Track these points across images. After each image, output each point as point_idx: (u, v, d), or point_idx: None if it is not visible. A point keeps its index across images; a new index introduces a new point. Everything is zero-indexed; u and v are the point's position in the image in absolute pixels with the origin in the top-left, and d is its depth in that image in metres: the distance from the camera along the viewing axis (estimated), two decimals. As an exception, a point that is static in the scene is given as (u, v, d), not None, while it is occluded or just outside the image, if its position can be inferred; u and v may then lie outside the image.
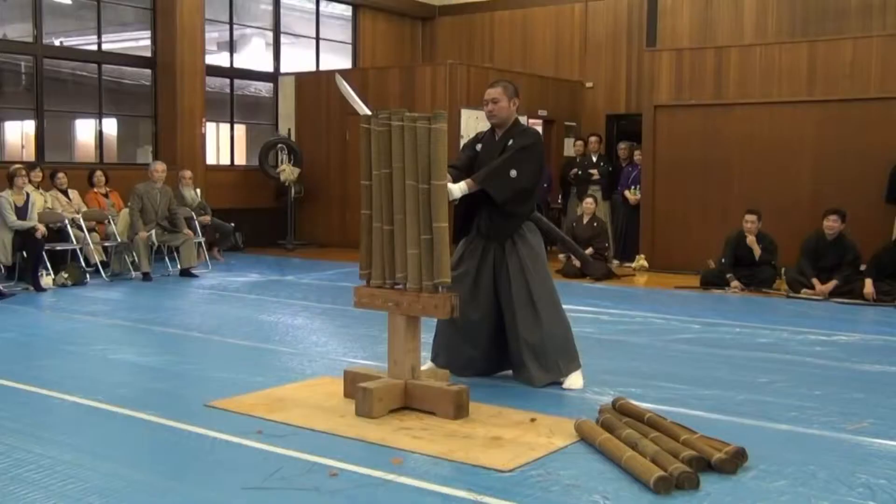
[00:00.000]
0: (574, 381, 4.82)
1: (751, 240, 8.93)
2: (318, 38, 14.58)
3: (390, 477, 3.32)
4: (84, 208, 9.71)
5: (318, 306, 7.71)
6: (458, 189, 4.64)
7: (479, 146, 5.01)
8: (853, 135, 9.76)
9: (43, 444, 3.69)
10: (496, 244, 4.90)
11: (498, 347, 4.98)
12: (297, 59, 14.41)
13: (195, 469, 3.45)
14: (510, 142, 4.84)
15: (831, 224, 8.58)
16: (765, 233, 9.03)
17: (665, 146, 10.84)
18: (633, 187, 11.23)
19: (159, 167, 9.85)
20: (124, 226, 9.67)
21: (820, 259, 8.64)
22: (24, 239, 8.52)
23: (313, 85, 13.50)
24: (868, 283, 8.23)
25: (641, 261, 10.69)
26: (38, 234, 8.54)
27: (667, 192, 10.82)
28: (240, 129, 13.84)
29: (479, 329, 4.91)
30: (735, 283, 8.89)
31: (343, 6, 14.83)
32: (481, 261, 4.91)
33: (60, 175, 9.75)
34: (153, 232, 9.51)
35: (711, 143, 10.54)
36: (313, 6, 14.47)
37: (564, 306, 4.96)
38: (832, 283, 8.41)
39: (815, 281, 8.49)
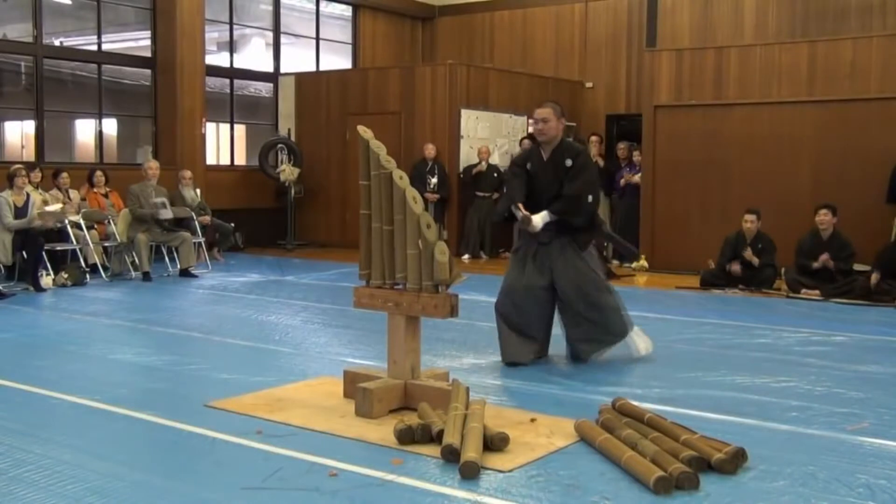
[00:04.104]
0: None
1: (748, 253, 8.92)
2: (318, 38, 14.58)
3: (390, 477, 3.32)
4: (84, 208, 9.71)
5: (318, 306, 7.71)
6: (540, 220, 5.22)
7: (529, 165, 5.45)
8: (853, 135, 9.76)
9: (43, 444, 3.69)
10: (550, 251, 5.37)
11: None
12: (297, 59, 14.42)
13: (195, 469, 3.45)
14: (567, 161, 5.29)
15: (822, 218, 8.62)
16: (763, 233, 9.03)
17: (665, 146, 10.84)
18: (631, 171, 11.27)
19: (153, 164, 9.93)
20: (124, 226, 9.68)
21: (816, 257, 8.65)
22: (24, 239, 8.52)
23: (313, 85, 13.50)
24: (875, 276, 8.28)
25: (641, 261, 10.68)
26: (37, 224, 8.51)
27: (667, 192, 10.81)
28: (240, 129, 13.85)
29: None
30: (735, 267, 8.89)
31: (343, 6, 14.83)
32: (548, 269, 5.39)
33: (63, 175, 9.77)
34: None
35: (711, 143, 10.54)
36: (313, 6, 14.47)
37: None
38: (828, 260, 8.48)
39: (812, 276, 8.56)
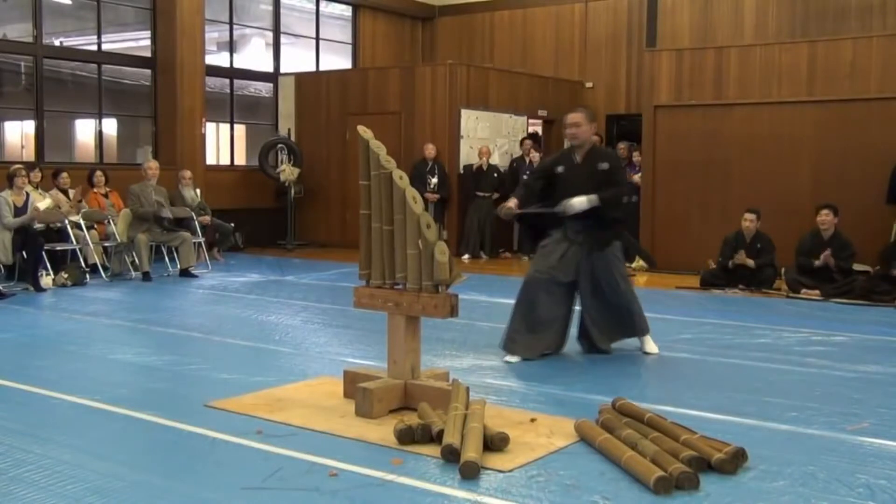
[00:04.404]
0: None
1: (741, 256, 8.90)
2: (318, 38, 14.58)
3: (390, 477, 3.32)
4: (84, 208, 9.71)
5: (318, 306, 7.71)
6: (579, 203, 5.33)
7: (559, 168, 5.58)
8: (853, 135, 9.76)
9: (43, 444, 3.69)
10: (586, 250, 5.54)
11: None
12: (297, 59, 14.42)
13: (195, 469, 3.45)
14: (601, 165, 5.46)
15: (824, 218, 8.63)
16: (763, 233, 9.03)
17: (665, 146, 10.84)
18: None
19: (152, 164, 9.95)
20: (124, 226, 9.68)
21: (817, 257, 8.64)
22: (24, 239, 8.52)
23: (313, 85, 13.50)
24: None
25: (641, 261, 10.67)
26: (27, 219, 8.51)
27: (667, 192, 10.81)
28: (240, 129, 13.85)
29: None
30: (740, 255, 8.90)
31: (343, 6, 14.84)
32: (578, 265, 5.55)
33: (64, 175, 9.78)
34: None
35: (711, 143, 10.54)
36: (313, 6, 14.47)
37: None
38: (830, 259, 8.49)
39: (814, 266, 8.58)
